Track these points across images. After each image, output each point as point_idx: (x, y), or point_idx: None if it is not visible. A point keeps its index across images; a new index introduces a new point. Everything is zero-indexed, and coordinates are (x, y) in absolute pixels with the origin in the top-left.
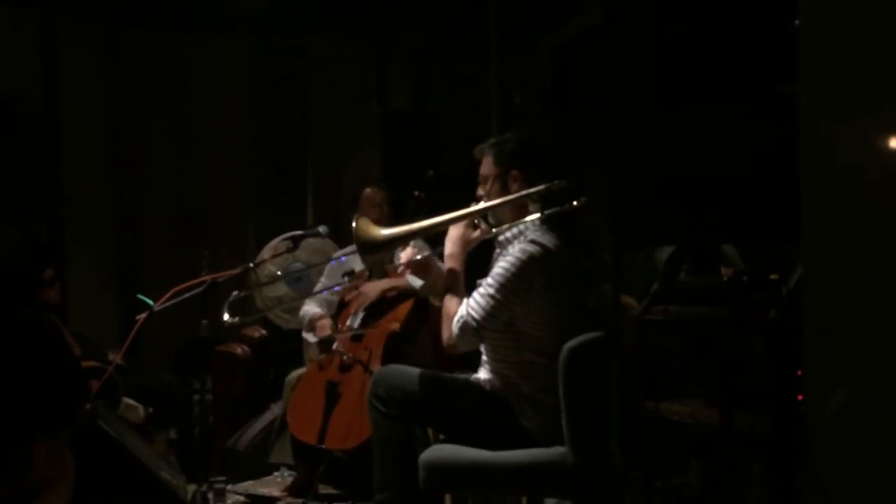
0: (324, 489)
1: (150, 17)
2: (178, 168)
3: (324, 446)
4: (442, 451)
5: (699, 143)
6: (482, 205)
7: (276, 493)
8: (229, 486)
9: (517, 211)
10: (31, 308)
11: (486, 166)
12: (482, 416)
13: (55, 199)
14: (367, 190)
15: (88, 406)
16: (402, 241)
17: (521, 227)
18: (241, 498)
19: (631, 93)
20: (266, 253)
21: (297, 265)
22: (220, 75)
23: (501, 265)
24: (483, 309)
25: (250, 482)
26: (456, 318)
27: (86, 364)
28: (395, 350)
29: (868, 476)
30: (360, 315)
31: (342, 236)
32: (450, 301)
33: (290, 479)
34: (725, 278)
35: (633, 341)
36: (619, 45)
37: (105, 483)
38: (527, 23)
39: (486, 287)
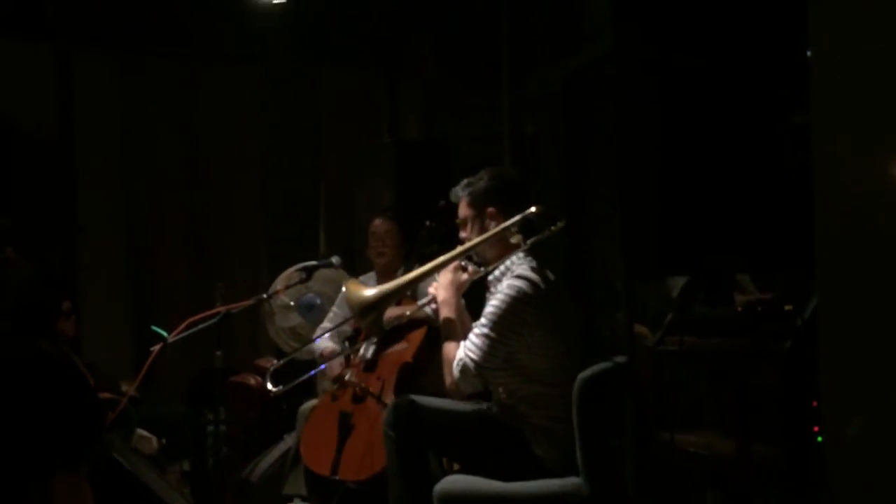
0: None
1: (164, 48)
2: (192, 198)
3: (337, 477)
4: (456, 482)
5: (712, 173)
6: (464, 246)
7: None
8: None
9: (501, 248)
10: (48, 341)
11: (463, 209)
12: (495, 446)
13: (69, 228)
14: (375, 221)
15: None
16: (393, 297)
17: (508, 262)
18: None
19: (643, 122)
20: (279, 283)
21: (310, 296)
22: (233, 106)
23: (493, 303)
24: (480, 349)
25: None
26: (455, 362)
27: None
28: (408, 380)
29: None
30: (373, 344)
31: (355, 266)
32: (448, 346)
33: None
34: (740, 308)
35: (647, 371)
36: (631, 75)
37: None
38: (539, 52)
39: (480, 327)
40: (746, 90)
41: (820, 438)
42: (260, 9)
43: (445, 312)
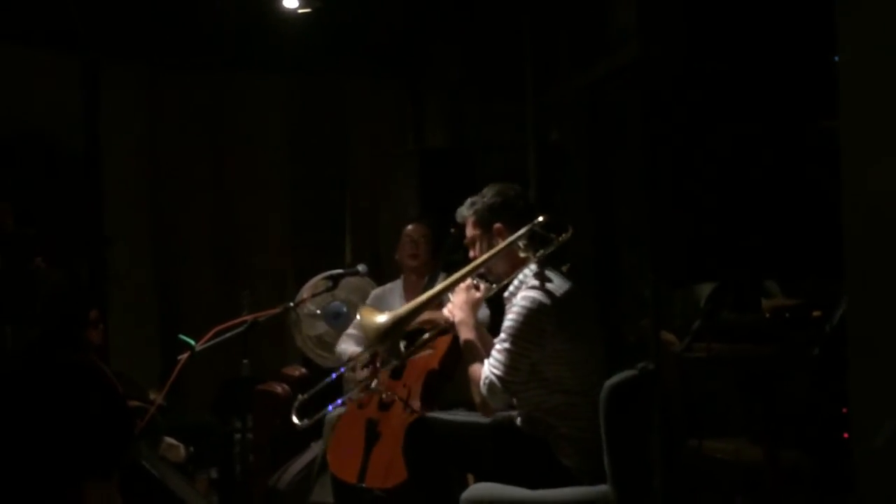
0: None
1: (190, 60)
2: (218, 208)
3: (364, 485)
4: (483, 489)
5: (740, 179)
6: (473, 264)
7: None
8: None
9: (511, 262)
10: (78, 351)
11: (470, 229)
12: (521, 458)
13: (97, 239)
14: (409, 227)
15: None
16: (407, 321)
17: (521, 276)
18: None
19: (669, 129)
20: (305, 292)
21: (337, 304)
22: (259, 115)
23: (510, 317)
24: (503, 364)
25: None
26: (482, 380)
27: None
28: (434, 387)
29: None
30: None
31: (380, 274)
32: (473, 366)
33: None
34: (768, 315)
35: (675, 378)
36: (656, 82)
37: None
38: (563, 59)
39: (500, 343)
40: (774, 95)
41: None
42: (286, 19)
43: (465, 333)
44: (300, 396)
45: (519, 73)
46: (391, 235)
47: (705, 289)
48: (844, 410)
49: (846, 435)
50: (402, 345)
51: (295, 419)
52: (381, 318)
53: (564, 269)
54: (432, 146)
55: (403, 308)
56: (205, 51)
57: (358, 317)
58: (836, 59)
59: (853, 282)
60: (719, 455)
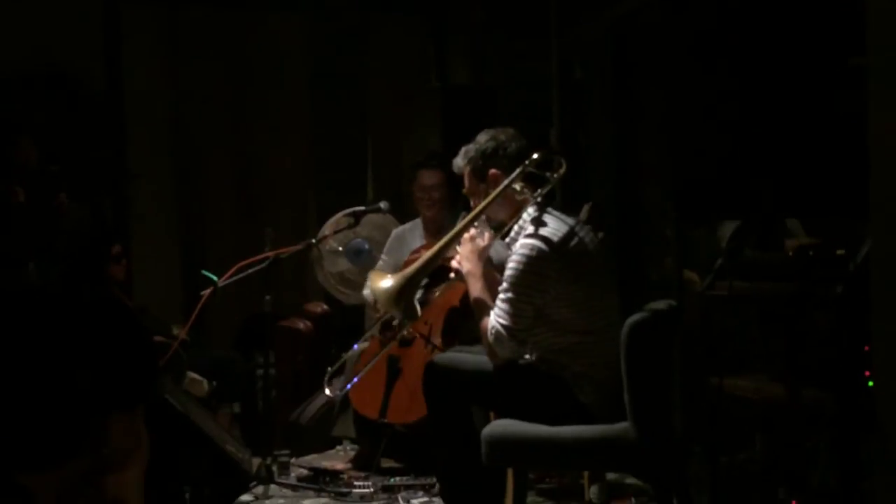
0: (386, 463)
1: None
2: (240, 145)
3: (385, 421)
4: (504, 426)
5: (765, 117)
6: (473, 213)
7: (339, 466)
8: (293, 460)
9: (511, 206)
10: (102, 287)
11: (467, 179)
12: (540, 396)
13: (119, 176)
14: (422, 172)
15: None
16: (418, 279)
17: (521, 221)
18: (305, 471)
19: (694, 66)
20: (327, 229)
21: (359, 241)
22: (281, 53)
23: (510, 265)
24: (507, 313)
25: (314, 455)
26: (489, 329)
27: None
28: (455, 324)
29: None
30: (421, 288)
31: (402, 212)
32: (483, 318)
33: (353, 453)
34: (790, 253)
35: (696, 316)
36: (682, 18)
37: (171, 456)
38: None
39: (503, 292)
40: (801, 33)
41: (871, 383)
42: None
43: (474, 285)
44: (329, 370)
45: (543, 9)
46: (413, 173)
47: (728, 227)
48: (866, 349)
49: (868, 373)
50: (423, 287)
51: (328, 391)
52: (389, 283)
53: (587, 207)
54: (455, 83)
55: (410, 268)
56: None
57: (383, 258)
58: None
59: (878, 221)
60: (740, 393)
